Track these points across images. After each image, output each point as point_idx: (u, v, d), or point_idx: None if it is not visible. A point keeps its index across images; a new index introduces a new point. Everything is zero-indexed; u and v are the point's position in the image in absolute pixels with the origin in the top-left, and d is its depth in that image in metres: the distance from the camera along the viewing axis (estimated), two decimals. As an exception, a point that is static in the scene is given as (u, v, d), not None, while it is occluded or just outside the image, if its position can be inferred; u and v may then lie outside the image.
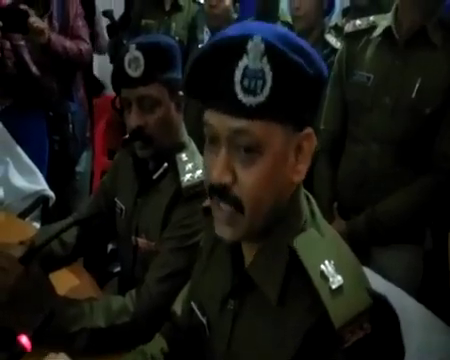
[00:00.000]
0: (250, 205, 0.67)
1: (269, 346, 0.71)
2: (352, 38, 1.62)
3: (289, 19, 2.32)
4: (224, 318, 0.79)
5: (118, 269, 1.67)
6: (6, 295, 1.01)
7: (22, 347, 0.78)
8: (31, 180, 2.04)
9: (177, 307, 0.99)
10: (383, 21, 1.55)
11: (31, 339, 0.79)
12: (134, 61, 1.14)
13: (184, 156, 1.22)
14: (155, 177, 1.23)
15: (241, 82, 0.63)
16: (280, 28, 0.68)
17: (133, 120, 1.18)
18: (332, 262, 0.66)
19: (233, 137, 0.66)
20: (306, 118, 0.69)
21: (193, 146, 1.28)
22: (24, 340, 0.78)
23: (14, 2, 2.03)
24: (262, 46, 0.62)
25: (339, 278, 0.65)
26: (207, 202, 0.80)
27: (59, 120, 2.25)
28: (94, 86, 3.13)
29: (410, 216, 1.52)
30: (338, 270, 0.66)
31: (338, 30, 2.28)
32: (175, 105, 1.22)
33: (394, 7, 1.53)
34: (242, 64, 0.63)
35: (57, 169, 2.28)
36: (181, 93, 1.21)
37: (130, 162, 1.32)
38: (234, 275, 0.78)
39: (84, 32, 2.26)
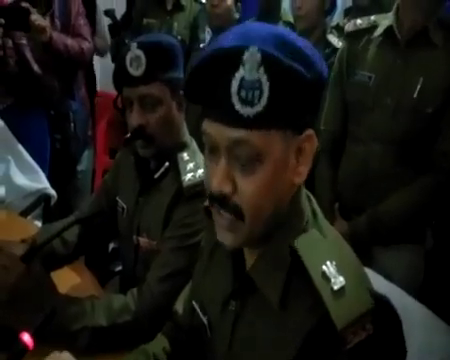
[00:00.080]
0: (250, 213, 0.68)
1: (270, 347, 0.71)
2: (353, 37, 1.62)
3: (291, 19, 2.32)
4: (225, 319, 0.79)
5: (119, 268, 1.68)
6: (7, 294, 1.01)
7: (24, 345, 0.78)
8: (33, 178, 2.04)
9: (179, 306, 0.99)
10: (384, 21, 1.55)
11: (33, 337, 0.79)
12: (136, 60, 1.14)
13: (185, 155, 1.22)
14: (156, 176, 1.24)
15: (238, 93, 0.63)
16: (279, 31, 0.67)
17: (134, 119, 1.18)
18: (334, 263, 0.66)
19: (232, 147, 0.66)
20: (306, 121, 0.69)
21: (194, 145, 1.28)
22: (26, 338, 0.78)
23: (16, 0, 2.03)
24: (258, 56, 0.61)
25: (341, 279, 0.65)
26: (208, 202, 0.80)
27: (60, 119, 2.25)
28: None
29: (411, 216, 1.52)
30: (340, 271, 0.66)
31: (340, 30, 2.27)
32: (177, 104, 1.22)
33: (395, 7, 1.53)
34: (239, 75, 0.63)
35: (59, 168, 2.28)
36: (182, 92, 1.21)
37: (132, 161, 1.32)
38: (235, 277, 0.78)
39: (86, 31, 2.26)
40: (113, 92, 2.36)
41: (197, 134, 1.26)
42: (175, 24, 2.89)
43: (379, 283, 0.85)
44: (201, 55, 0.66)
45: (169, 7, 2.90)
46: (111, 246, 2.03)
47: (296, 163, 0.69)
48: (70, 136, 2.29)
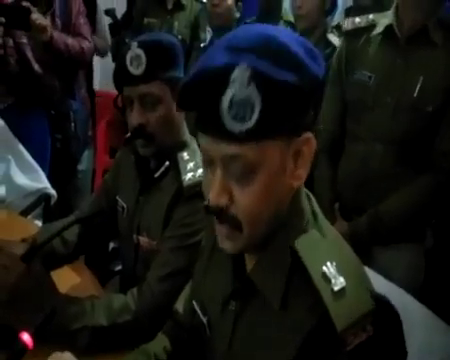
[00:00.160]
0: (248, 223, 0.68)
1: (270, 347, 0.71)
2: (351, 36, 1.61)
3: (292, 18, 2.32)
4: (225, 319, 0.79)
5: (120, 267, 1.67)
6: (7, 293, 1.01)
7: (24, 345, 0.78)
8: (33, 178, 2.04)
9: (179, 306, 0.99)
10: (383, 19, 1.54)
11: (33, 337, 0.79)
12: (136, 59, 1.14)
13: (186, 155, 1.22)
14: (157, 175, 1.23)
15: (229, 111, 0.62)
16: (270, 33, 0.65)
17: (135, 118, 1.18)
18: (334, 263, 0.66)
19: (226, 161, 0.65)
20: (304, 123, 0.68)
21: (195, 145, 1.28)
22: (26, 337, 0.78)
23: (17, -1, 2.04)
24: (248, 73, 0.60)
25: (341, 280, 0.65)
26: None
27: (61, 118, 2.25)
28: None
29: (411, 216, 1.52)
30: (340, 272, 0.65)
31: (340, 30, 2.26)
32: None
33: (394, 5, 1.52)
34: (228, 93, 0.61)
35: (59, 167, 2.28)
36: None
37: (132, 160, 1.32)
38: (235, 277, 0.78)
39: (86, 30, 2.26)
40: (113, 92, 2.36)
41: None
42: (176, 23, 2.89)
43: (379, 283, 0.85)
44: (190, 73, 0.65)
45: (170, 6, 2.90)
46: (111, 246, 2.02)
47: (294, 167, 0.68)
48: (70, 136, 2.29)
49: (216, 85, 0.62)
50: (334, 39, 2.05)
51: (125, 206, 1.34)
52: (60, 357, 0.85)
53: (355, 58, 1.58)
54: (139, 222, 1.27)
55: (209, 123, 0.65)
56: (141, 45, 1.15)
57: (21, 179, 2.02)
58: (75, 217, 1.36)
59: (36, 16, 1.97)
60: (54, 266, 1.27)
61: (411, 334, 0.78)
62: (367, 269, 0.78)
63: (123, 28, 3.07)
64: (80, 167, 2.39)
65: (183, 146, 1.24)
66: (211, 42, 2.57)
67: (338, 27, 2.39)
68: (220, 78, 0.62)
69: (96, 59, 3.06)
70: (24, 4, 1.97)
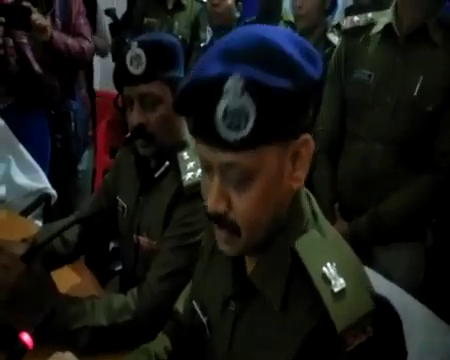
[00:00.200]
0: (246, 228, 0.68)
1: (270, 347, 0.71)
2: (350, 35, 1.61)
3: (292, 18, 2.31)
4: (225, 319, 0.79)
5: (120, 267, 1.67)
6: (7, 293, 1.01)
7: (24, 345, 0.78)
8: (33, 178, 2.04)
9: (179, 306, 0.99)
10: (382, 18, 1.54)
11: (33, 337, 0.79)
12: (136, 59, 1.14)
13: (186, 154, 1.21)
14: (157, 175, 1.23)
15: (223, 120, 0.61)
16: (265, 36, 0.64)
17: (135, 118, 1.18)
18: (334, 264, 0.66)
19: (224, 168, 0.65)
20: (302, 125, 0.67)
21: (195, 144, 1.27)
22: (26, 338, 0.78)
23: (17, -1, 2.04)
24: (241, 83, 0.60)
25: (341, 281, 0.65)
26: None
27: (61, 118, 2.25)
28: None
29: (412, 215, 1.52)
30: (340, 272, 0.65)
31: (341, 29, 2.27)
32: (177, 103, 1.22)
33: (394, 4, 1.52)
34: (222, 103, 0.61)
35: (59, 167, 2.28)
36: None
37: (132, 160, 1.31)
38: (235, 278, 0.78)
39: (86, 30, 2.26)
40: (113, 92, 2.36)
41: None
42: (176, 23, 2.89)
43: (379, 283, 0.85)
44: (184, 81, 0.65)
45: (170, 6, 2.90)
46: (111, 246, 2.03)
47: (292, 169, 0.68)
48: (71, 136, 2.29)
49: (210, 95, 0.62)
50: (334, 39, 2.04)
51: (125, 206, 1.34)
52: (61, 357, 0.85)
53: (354, 57, 1.58)
54: (139, 222, 1.27)
55: (204, 132, 0.65)
56: (141, 45, 1.15)
57: (21, 179, 2.02)
58: (75, 217, 1.36)
59: (36, 16, 1.97)
60: (54, 266, 1.27)
61: (411, 334, 0.78)
62: (367, 269, 0.78)
63: (123, 28, 3.07)
64: (80, 167, 2.39)
65: (183, 146, 1.24)
66: (211, 42, 2.57)
67: (338, 26, 2.39)
68: (213, 88, 0.61)
69: (96, 59, 3.06)
70: (24, 4, 1.97)
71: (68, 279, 1.32)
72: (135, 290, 1.13)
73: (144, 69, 1.14)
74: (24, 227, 1.67)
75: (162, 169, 1.23)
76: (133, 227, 1.29)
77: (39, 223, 1.94)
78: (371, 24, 1.56)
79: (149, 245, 1.24)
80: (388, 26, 1.50)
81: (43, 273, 1.09)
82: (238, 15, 2.48)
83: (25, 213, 1.94)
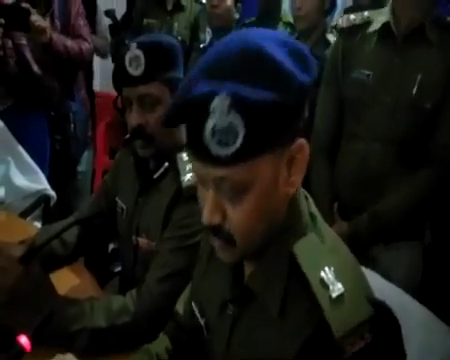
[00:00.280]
0: (242, 238, 0.68)
1: (268, 352, 0.70)
2: (347, 33, 1.60)
3: (291, 19, 2.31)
4: (223, 322, 0.79)
5: (119, 269, 1.67)
6: (6, 295, 1.01)
7: (21, 347, 0.78)
8: (32, 179, 2.04)
9: (179, 307, 0.99)
10: (379, 17, 1.53)
11: (31, 339, 0.79)
12: (135, 60, 1.14)
13: (185, 156, 1.21)
14: (156, 176, 1.23)
15: (212, 138, 0.61)
16: (255, 44, 0.62)
17: (134, 119, 1.18)
18: (332, 269, 0.66)
19: (218, 182, 0.65)
20: (295, 133, 0.67)
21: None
22: (23, 340, 0.78)
23: (16, 0, 2.03)
24: (227, 102, 0.59)
25: (339, 286, 0.64)
26: None
27: (60, 120, 2.25)
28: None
29: (413, 211, 1.51)
30: (338, 277, 0.65)
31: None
32: (176, 104, 1.22)
33: (390, 2, 1.52)
34: (210, 122, 0.60)
35: (58, 169, 2.28)
36: None
37: (131, 161, 1.31)
38: (233, 282, 0.78)
39: (85, 31, 2.26)
40: (113, 93, 2.37)
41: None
42: (175, 24, 2.89)
43: (377, 283, 0.84)
44: (172, 101, 0.66)
45: (169, 7, 2.91)
46: (111, 247, 2.03)
47: (288, 175, 0.68)
48: (70, 137, 2.29)
49: (197, 115, 0.62)
50: (333, 39, 2.04)
51: (124, 207, 1.34)
52: (62, 359, 0.85)
53: (352, 56, 1.57)
54: (138, 223, 1.27)
55: (195, 149, 0.65)
56: (140, 46, 1.15)
57: (20, 180, 2.02)
58: (74, 218, 1.36)
59: (35, 17, 1.97)
60: (53, 267, 1.27)
61: (410, 335, 0.78)
62: (365, 270, 0.78)
63: (123, 29, 3.07)
64: (80, 168, 2.39)
65: (182, 147, 1.24)
66: (211, 43, 2.57)
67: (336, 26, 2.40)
68: (200, 108, 0.61)
69: (96, 60, 3.06)
70: (23, 5, 1.97)
71: (67, 280, 1.32)
72: (134, 291, 1.13)
73: (143, 70, 1.14)
74: (23, 228, 1.67)
75: (161, 170, 1.23)
76: (132, 228, 1.29)
77: (38, 224, 1.94)
78: (367, 22, 1.55)
79: (148, 246, 1.24)
80: (386, 25, 1.50)
81: (41, 275, 1.08)
82: (237, 16, 2.49)
83: (24, 214, 1.94)
